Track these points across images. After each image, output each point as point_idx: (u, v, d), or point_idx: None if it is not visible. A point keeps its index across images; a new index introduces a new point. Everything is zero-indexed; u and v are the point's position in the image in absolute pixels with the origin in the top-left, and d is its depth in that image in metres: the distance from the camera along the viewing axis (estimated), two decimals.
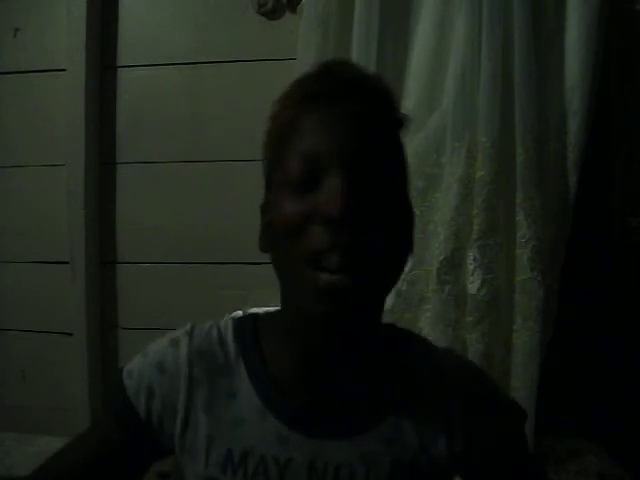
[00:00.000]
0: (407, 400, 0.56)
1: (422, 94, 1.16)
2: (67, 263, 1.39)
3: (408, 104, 1.14)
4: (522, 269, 1.11)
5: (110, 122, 1.41)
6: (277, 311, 0.58)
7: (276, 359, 0.56)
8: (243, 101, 1.34)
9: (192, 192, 1.38)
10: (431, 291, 1.15)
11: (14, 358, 1.46)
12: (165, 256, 1.40)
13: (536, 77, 1.10)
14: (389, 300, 1.13)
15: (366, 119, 0.50)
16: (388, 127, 0.53)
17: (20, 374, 1.45)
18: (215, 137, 1.37)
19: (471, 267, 1.12)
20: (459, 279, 1.14)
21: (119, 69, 1.41)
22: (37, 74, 1.42)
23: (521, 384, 1.10)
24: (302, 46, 1.20)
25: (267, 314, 0.61)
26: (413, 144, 1.14)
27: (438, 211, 1.16)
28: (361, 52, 1.15)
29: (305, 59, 1.18)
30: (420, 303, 1.16)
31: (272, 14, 1.33)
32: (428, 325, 1.14)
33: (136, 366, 0.58)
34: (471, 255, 1.12)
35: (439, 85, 1.15)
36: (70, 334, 1.40)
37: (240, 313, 1.23)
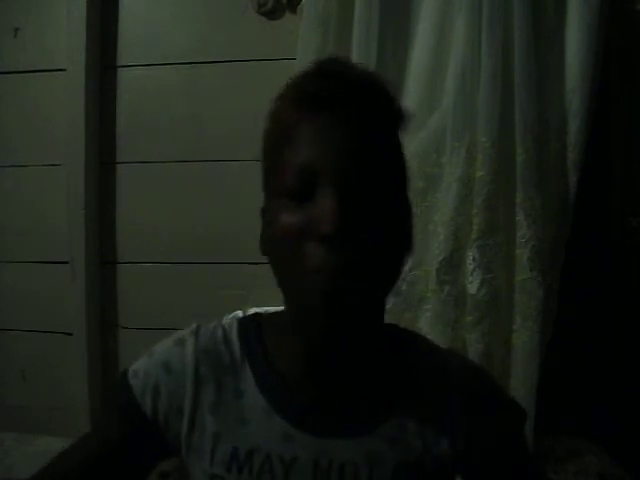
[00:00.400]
0: (411, 400, 0.56)
1: (422, 94, 1.16)
2: (67, 263, 1.39)
3: (408, 104, 1.14)
4: (522, 269, 1.11)
5: (110, 122, 1.41)
6: (281, 311, 0.58)
7: (280, 358, 0.56)
8: (243, 101, 1.34)
9: (192, 192, 1.38)
10: (431, 291, 1.15)
11: (14, 358, 1.46)
12: (165, 256, 1.40)
13: (536, 77, 1.10)
14: (389, 300, 1.13)
15: (362, 122, 0.50)
16: (386, 127, 0.52)
17: (20, 374, 1.45)
18: (215, 137, 1.37)
19: (471, 267, 1.12)
20: (459, 279, 1.14)
21: (119, 69, 1.41)
22: (37, 74, 1.42)
23: (521, 384, 1.10)
24: (302, 46, 1.20)
25: (271, 314, 0.61)
26: (413, 144, 1.14)
27: (438, 211, 1.16)
28: (361, 52, 1.15)
29: (305, 59, 1.18)
30: (420, 303, 1.16)
31: (272, 14, 1.33)
32: (428, 325, 1.14)
33: (142, 366, 0.58)
34: (471, 255, 1.12)
35: (439, 85, 1.16)
36: (70, 334, 1.40)
37: (240, 313, 1.24)
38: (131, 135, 1.41)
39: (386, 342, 0.58)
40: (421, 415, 0.56)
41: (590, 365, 1.26)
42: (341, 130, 0.49)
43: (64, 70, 1.38)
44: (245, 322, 0.61)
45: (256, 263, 1.30)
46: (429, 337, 1.01)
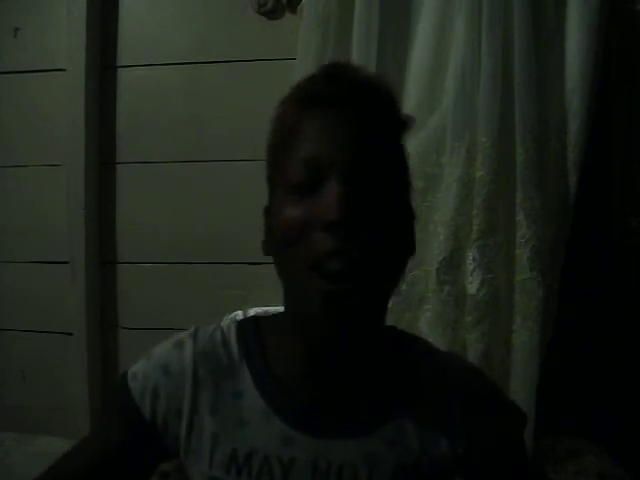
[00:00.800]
0: (410, 401, 0.56)
1: (422, 94, 1.16)
2: (67, 263, 1.39)
3: (408, 104, 1.14)
4: (522, 269, 1.11)
5: (110, 122, 1.41)
6: (279, 312, 0.58)
7: (279, 360, 0.57)
8: (243, 101, 1.34)
9: (192, 192, 1.38)
10: (431, 291, 1.15)
11: (14, 358, 1.46)
12: (165, 256, 1.40)
13: (536, 77, 1.10)
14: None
15: (367, 123, 0.50)
16: (389, 130, 0.53)
17: (20, 374, 1.45)
18: (215, 137, 1.37)
19: (470, 267, 1.12)
20: (459, 279, 1.14)
21: (119, 69, 1.41)
22: (37, 74, 1.42)
23: (521, 384, 1.10)
24: (302, 46, 1.20)
25: (269, 316, 0.61)
26: (413, 144, 1.13)
27: (438, 211, 1.16)
28: (361, 52, 1.15)
29: (305, 59, 1.18)
30: (420, 303, 1.16)
31: (272, 14, 1.33)
32: (428, 325, 1.14)
33: (140, 369, 0.58)
34: (470, 255, 1.12)
35: (439, 85, 1.15)
36: (70, 334, 1.40)
37: (240, 313, 1.24)
38: (131, 135, 1.41)
39: (386, 343, 0.59)
40: (420, 417, 0.56)
41: (590, 365, 1.26)
42: (346, 127, 0.50)
43: (64, 70, 1.38)
44: (243, 324, 0.61)
45: (256, 263, 1.31)
46: (429, 337, 1.01)
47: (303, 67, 1.18)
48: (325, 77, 0.53)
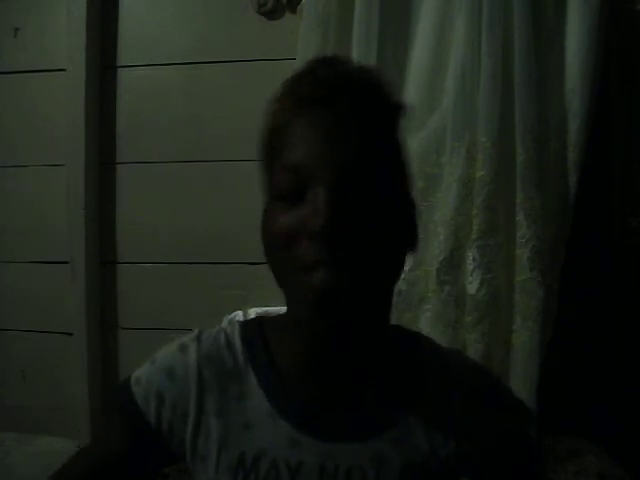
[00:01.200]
0: (416, 402, 0.55)
1: (422, 94, 1.16)
2: (67, 263, 1.39)
3: (408, 104, 1.14)
4: (522, 269, 1.11)
5: (110, 122, 1.41)
6: (283, 313, 0.57)
7: (284, 361, 0.56)
8: (243, 101, 1.34)
9: (192, 192, 1.38)
10: (431, 291, 1.15)
11: (14, 358, 1.46)
12: (165, 256, 1.40)
13: (536, 77, 1.10)
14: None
15: (355, 120, 0.49)
16: (381, 124, 0.51)
17: (20, 374, 1.45)
18: (215, 137, 1.37)
19: (470, 267, 1.12)
20: (459, 279, 1.14)
21: (119, 69, 1.41)
22: (37, 74, 1.42)
23: (521, 384, 1.10)
24: (302, 46, 1.20)
25: (273, 316, 0.61)
26: (413, 144, 1.14)
27: (438, 211, 1.16)
28: (361, 52, 1.15)
29: (305, 59, 1.16)
30: (420, 303, 1.16)
31: (272, 14, 1.33)
32: (428, 325, 1.14)
33: (144, 373, 0.58)
34: (470, 255, 1.12)
35: (439, 85, 1.16)
36: (70, 334, 1.40)
37: (240, 313, 1.24)
38: (131, 135, 1.41)
39: (390, 343, 0.58)
40: (427, 416, 0.55)
41: (590, 365, 1.26)
42: (334, 128, 0.48)
43: (64, 70, 1.38)
44: (247, 325, 0.60)
45: (256, 263, 1.31)
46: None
47: (299, 67, 1.18)
48: (313, 75, 0.51)
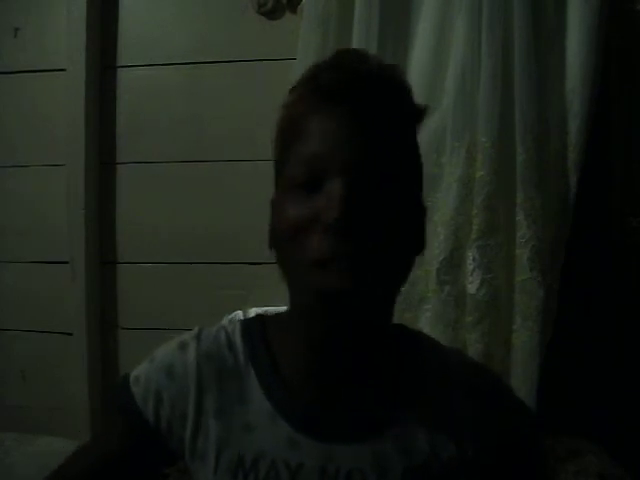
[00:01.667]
0: (417, 402, 0.55)
1: (422, 94, 1.16)
2: (67, 263, 1.39)
3: None
4: (522, 269, 1.11)
5: (110, 122, 1.41)
6: (285, 311, 0.57)
7: (285, 361, 0.55)
8: (243, 101, 1.34)
9: (192, 192, 1.38)
10: (431, 291, 1.15)
11: (14, 358, 1.46)
12: (165, 256, 1.40)
13: (536, 77, 1.10)
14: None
15: (375, 115, 0.48)
16: (400, 122, 0.51)
17: (20, 374, 1.45)
18: (215, 137, 1.37)
19: (470, 267, 1.12)
20: (459, 279, 1.14)
21: (119, 69, 1.41)
22: (37, 74, 1.42)
23: (521, 384, 1.10)
24: (302, 46, 1.20)
25: (275, 315, 0.60)
26: None
27: (438, 211, 1.15)
28: None
29: (305, 59, 1.18)
30: (420, 303, 1.17)
31: (272, 14, 1.33)
32: (428, 325, 1.14)
33: (143, 372, 0.57)
34: (470, 255, 1.12)
35: (439, 85, 1.15)
36: (70, 334, 1.40)
37: (240, 313, 1.24)
38: (131, 135, 1.41)
39: (391, 343, 0.57)
40: (428, 418, 0.54)
41: (590, 365, 1.26)
42: (353, 122, 0.48)
43: (64, 70, 1.38)
44: (248, 324, 0.59)
45: (256, 263, 1.31)
46: None
47: (303, 67, 1.17)
48: (334, 68, 0.50)
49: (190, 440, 0.55)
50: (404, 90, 0.51)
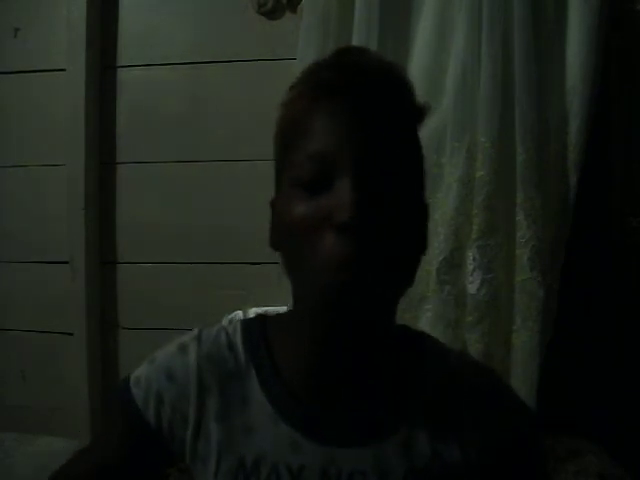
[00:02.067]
0: (420, 406, 0.54)
1: (422, 94, 1.15)
2: (67, 263, 1.39)
3: None
4: (522, 269, 1.11)
5: (110, 122, 1.41)
6: (287, 312, 0.56)
7: (287, 363, 0.55)
8: (243, 101, 1.34)
9: (192, 192, 1.38)
10: (431, 291, 1.15)
11: (14, 358, 1.46)
12: (165, 256, 1.40)
13: (536, 77, 1.10)
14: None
15: (380, 112, 0.48)
16: (404, 119, 0.50)
17: (20, 374, 1.45)
18: (215, 137, 1.37)
19: (471, 267, 1.12)
20: (459, 279, 1.14)
21: (119, 69, 1.41)
22: (37, 74, 1.42)
23: (521, 384, 1.10)
24: (302, 46, 1.20)
25: (276, 315, 0.59)
26: None
27: (438, 211, 1.16)
28: None
29: (305, 59, 1.18)
30: (420, 303, 1.16)
31: (272, 14, 1.33)
32: (428, 325, 1.14)
33: (143, 373, 0.57)
34: (471, 255, 1.12)
35: (439, 85, 1.16)
36: (70, 334, 1.40)
37: (240, 313, 1.24)
38: (131, 135, 1.41)
39: (394, 344, 0.56)
40: (430, 420, 0.53)
41: (590, 365, 1.26)
42: (359, 119, 0.47)
43: (64, 70, 1.38)
44: (249, 324, 0.58)
45: (256, 263, 1.31)
46: None
47: (303, 67, 1.17)
48: (337, 64, 0.50)
49: (191, 442, 0.55)
50: (406, 86, 0.51)
